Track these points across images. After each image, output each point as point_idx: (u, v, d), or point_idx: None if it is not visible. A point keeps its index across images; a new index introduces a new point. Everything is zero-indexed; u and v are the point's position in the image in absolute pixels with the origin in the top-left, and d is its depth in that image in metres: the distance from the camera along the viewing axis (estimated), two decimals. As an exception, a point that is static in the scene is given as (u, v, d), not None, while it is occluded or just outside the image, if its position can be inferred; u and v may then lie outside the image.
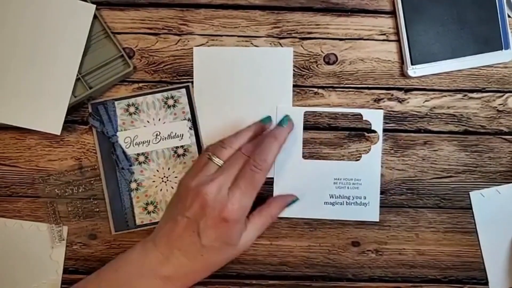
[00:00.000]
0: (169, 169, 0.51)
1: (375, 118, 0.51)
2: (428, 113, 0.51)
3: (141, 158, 0.51)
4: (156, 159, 0.51)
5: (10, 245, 0.51)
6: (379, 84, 0.51)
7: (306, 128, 0.51)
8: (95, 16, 0.50)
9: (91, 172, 0.51)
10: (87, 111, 0.51)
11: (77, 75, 0.49)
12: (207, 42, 0.51)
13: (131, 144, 0.51)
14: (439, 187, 0.51)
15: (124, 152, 0.51)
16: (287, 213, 0.51)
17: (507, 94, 0.51)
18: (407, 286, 0.51)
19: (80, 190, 0.51)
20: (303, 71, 0.51)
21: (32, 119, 0.49)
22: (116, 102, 0.51)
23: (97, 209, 0.51)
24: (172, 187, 0.51)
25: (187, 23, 0.51)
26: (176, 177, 0.51)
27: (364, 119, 0.51)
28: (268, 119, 0.49)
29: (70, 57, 0.49)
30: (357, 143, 0.51)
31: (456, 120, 0.51)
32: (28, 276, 0.51)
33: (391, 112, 0.51)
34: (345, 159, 0.51)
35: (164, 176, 0.51)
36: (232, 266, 0.51)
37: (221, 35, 0.51)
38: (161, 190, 0.51)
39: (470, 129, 0.51)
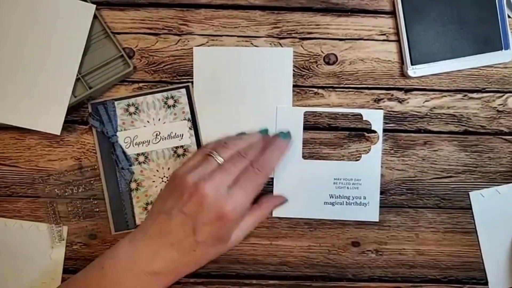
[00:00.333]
0: (169, 169, 0.51)
1: (375, 118, 0.51)
2: (428, 113, 0.51)
3: (141, 158, 0.51)
4: (156, 159, 0.51)
5: (10, 245, 0.51)
6: (379, 84, 0.51)
7: (306, 128, 0.51)
8: (95, 16, 0.50)
9: (91, 172, 0.51)
10: (87, 111, 0.51)
11: (77, 75, 0.49)
12: (207, 42, 0.51)
13: (131, 144, 0.51)
14: (439, 187, 0.51)
15: (124, 152, 0.51)
16: (287, 213, 0.51)
17: (507, 94, 0.51)
18: (407, 286, 0.51)
19: (80, 190, 0.51)
20: (303, 71, 0.51)
21: (32, 119, 0.49)
22: (116, 102, 0.51)
23: (97, 209, 0.51)
24: (172, 187, 0.51)
25: (187, 23, 0.51)
26: (176, 177, 0.51)
27: (364, 119, 0.51)
28: (265, 131, 0.50)
29: (70, 57, 0.49)
30: (357, 143, 0.51)
31: (456, 120, 0.51)
32: (28, 276, 0.51)
33: (391, 112, 0.51)
34: (345, 159, 0.51)
35: (164, 176, 0.51)
36: (232, 266, 0.51)
37: (221, 35, 0.51)
38: (161, 190, 0.51)
39: (470, 129, 0.51)
